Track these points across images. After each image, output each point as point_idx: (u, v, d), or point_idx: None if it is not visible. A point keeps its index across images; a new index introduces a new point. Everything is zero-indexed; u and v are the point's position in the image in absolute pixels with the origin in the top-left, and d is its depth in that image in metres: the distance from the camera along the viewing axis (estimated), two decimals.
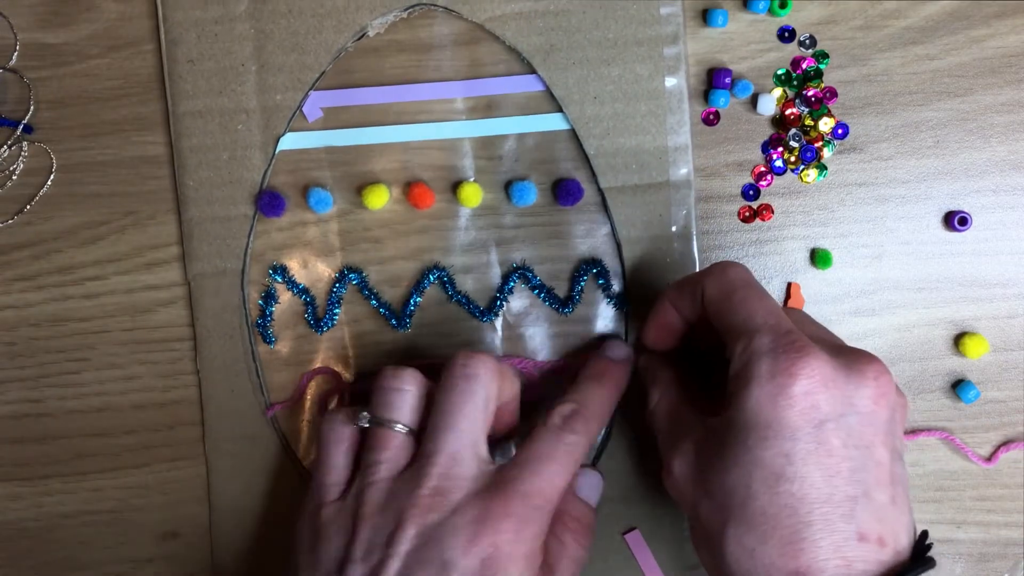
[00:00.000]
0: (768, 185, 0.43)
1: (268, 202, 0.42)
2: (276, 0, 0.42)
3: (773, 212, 0.43)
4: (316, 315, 0.43)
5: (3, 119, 0.43)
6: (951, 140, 0.43)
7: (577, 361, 0.42)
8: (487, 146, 0.43)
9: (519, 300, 0.43)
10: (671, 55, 0.42)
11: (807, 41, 0.42)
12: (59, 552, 0.44)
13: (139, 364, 0.44)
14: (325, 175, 0.43)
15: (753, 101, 0.43)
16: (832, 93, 0.42)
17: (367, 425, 0.37)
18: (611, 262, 0.43)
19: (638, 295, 0.43)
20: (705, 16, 0.42)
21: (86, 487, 0.44)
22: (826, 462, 0.31)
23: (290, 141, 0.43)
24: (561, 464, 0.36)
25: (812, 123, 0.42)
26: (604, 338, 0.43)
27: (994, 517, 0.43)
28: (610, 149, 0.42)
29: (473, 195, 0.42)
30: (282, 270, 0.43)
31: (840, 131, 0.42)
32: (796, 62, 0.42)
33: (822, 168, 0.43)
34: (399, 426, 0.37)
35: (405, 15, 0.42)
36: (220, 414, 0.43)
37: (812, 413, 0.31)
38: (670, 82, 0.42)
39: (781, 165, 0.43)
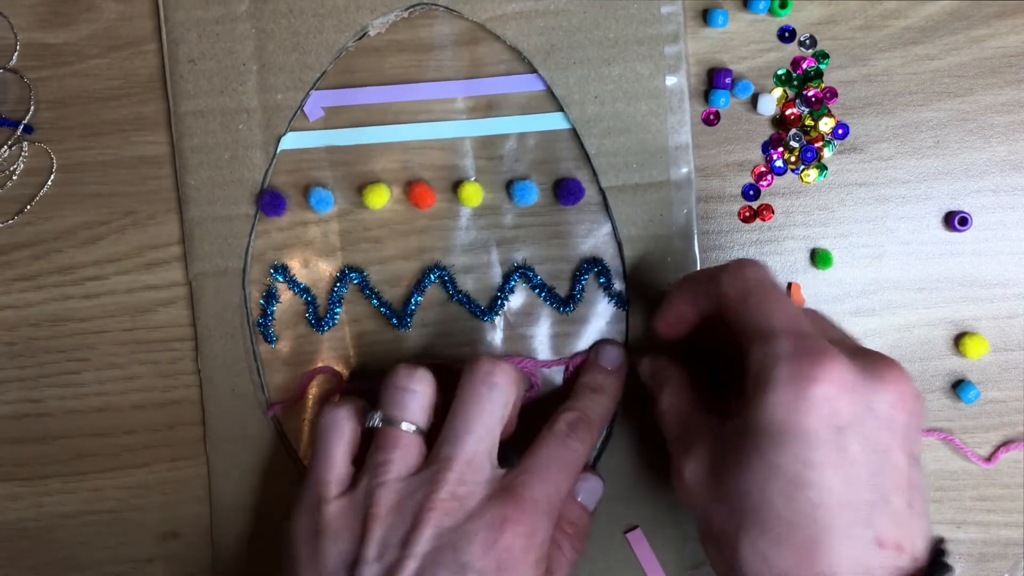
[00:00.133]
0: (768, 185, 0.43)
1: (269, 201, 0.42)
2: (277, 0, 0.42)
3: (773, 212, 0.43)
4: (317, 314, 0.43)
5: (3, 119, 0.43)
6: (951, 140, 0.43)
7: (574, 361, 0.42)
8: (488, 146, 0.43)
9: (520, 299, 0.43)
10: (672, 54, 0.42)
11: (807, 41, 0.43)
12: (59, 552, 0.44)
13: (139, 364, 0.44)
14: (326, 175, 0.43)
15: (753, 101, 0.43)
16: (832, 93, 0.42)
17: (378, 425, 0.37)
18: (612, 261, 0.43)
19: (639, 294, 0.43)
20: (705, 16, 0.42)
21: (86, 487, 0.44)
22: (845, 468, 0.31)
23: (291, 141, 0.43)
24: (566, 471, 0.37)
25: (812, 123, 0.42)
26: (599, 342, 0.43)
27: (994, 517, 0.43)
28: (611, 148, 0.42)
29: (474, 195, 0.42)
30: (283, 269, 0.43)
31: (840, 131, 0.43)
32: (796, 62, 0.43)
33: (822, 168, 0.43)
34: (411, 426, 0.37)
35: (406, 15, 0.42)
36: (221, 413, 0.43)
37: (832, 419, 0.31)
38: (671, 81, 0.42)
39: (781, 165, 0.43)
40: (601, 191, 0.42)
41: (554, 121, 0.42)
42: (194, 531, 0.44)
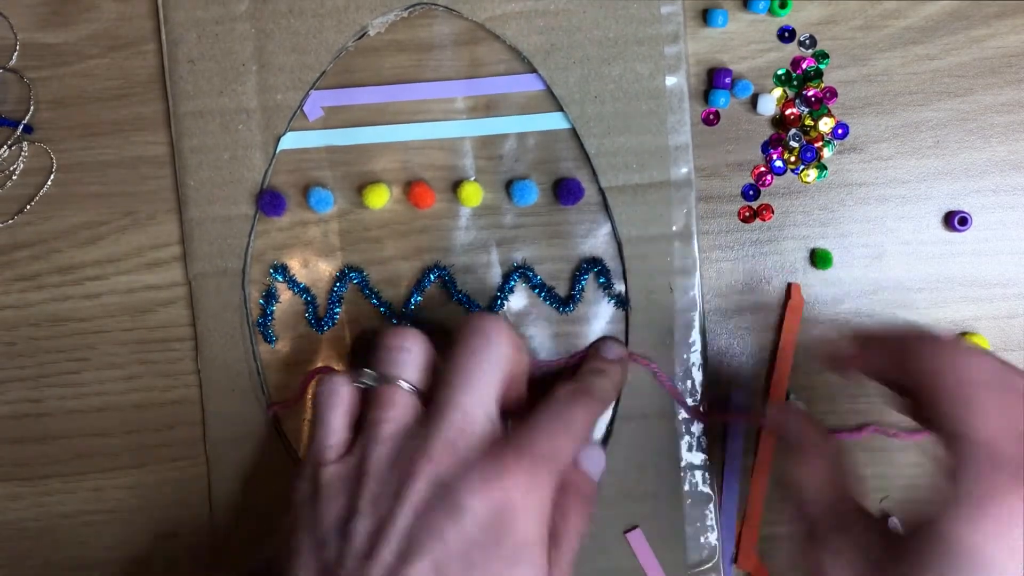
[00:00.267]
0: (768, 185, 0.43)
1: (269, 202, 0.42)
2: (276, 0, 0.42)
3: (773, 212, 0.43)
4: (317, 314, 0.43)
5: (3, 119, 0.43)
6: (951, 140, 0.43)
7: (575, 359, 0.42)
8: (487, 145, 0.43)
9: (520, 299, 0.43)
10: (672, 54, 0.42)
11: (807, 41, 0.43)
12: (59, 552, 0.44)
13: (139, 364, 0.44)
14: (326, 175, 0.43)
15: (753, 101, 0.43)
16: (832, 93, 0.42)
17: (371, 384, 0.36)
18: (612, 261, 0.43)
19: (639, 295, 0.43)
20: (705, 16, 0.42)
21: (86, 487, 0.44)
22: None
23: (291, 141, 0.43)
24: (569, 432, 0.35)
25: (812, 123, 0.42)
26: (599, 339, 0.43)
27: None
28: (611, 148, 0.42)
29: (474, 195, 0.42)
30: (283, 269, 0.43)
31: (840, 131, 0.42)
32: (796, 62, 0.43)
33: (822, 168, 0.43)
34: (406, 384, 0.35)
35: (406, 14, 0.42)
36: (220, 414, 0.43)
37: (1020, 554, 0.28)
38: (671, 81, 0.42)
39: (781, 165, 0.43)
40: (601, 191, 0.42)
41: (554, 121, 0.42)
42: (194, 531, 0.44)
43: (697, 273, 0.42)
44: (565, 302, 0.43)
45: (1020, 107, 0.42)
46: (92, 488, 0.44)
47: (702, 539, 0.43)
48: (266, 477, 0.43)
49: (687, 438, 0.43)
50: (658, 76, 0.42)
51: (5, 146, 0.43)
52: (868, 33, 0.42)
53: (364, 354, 0.42)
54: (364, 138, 0.43)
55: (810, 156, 0.42)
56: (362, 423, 0.36)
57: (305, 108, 0.42)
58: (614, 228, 0.42)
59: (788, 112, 0.42)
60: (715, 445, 0.43)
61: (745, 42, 0.43)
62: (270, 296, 0.43)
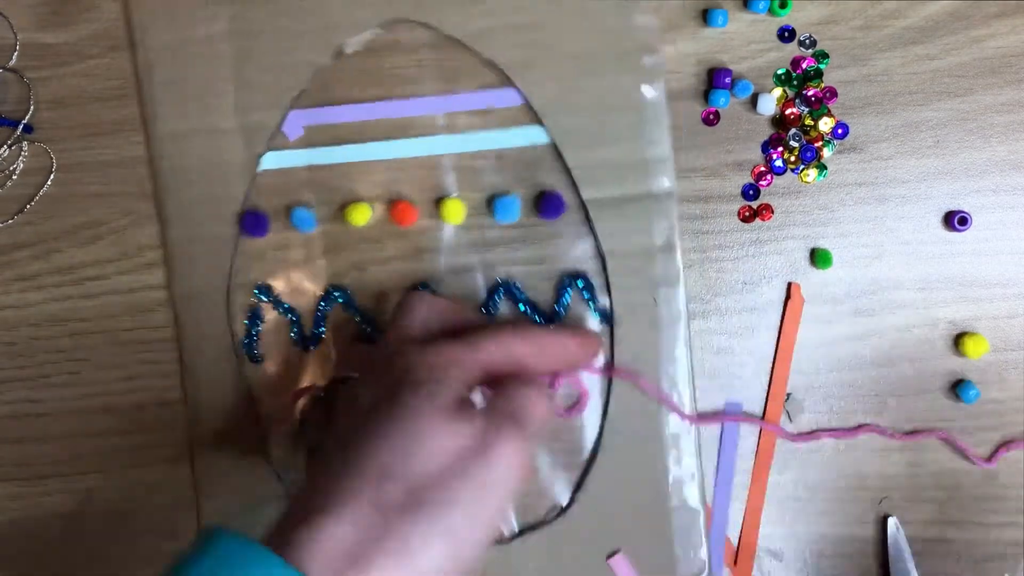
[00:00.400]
0: (768, 185, 0.43)
1: (251, 222, 0.42)
2: (253, 20, 0.42)
3: (773, 212, 0.43)
4: (302, 333, 0.43)
5: (3, 119, 0.43)
6: (951, 140, 0.43)
7: (614, 372, 0.42)
8: (468, 161, 0.42)
9: (505, 315, 0.43)
10: (649, 65, 0.42)
11: (807, 41, 0.42)
12: (58, 552, 0.44)
13: (139, 364, 0.44)
14: (308, 194, 0.43)
15: (753, 101, 0.43)
16: (832, 93, 0.42)
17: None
18: (596, 275, 0.42)
19: (623, 308, 0.42)
20: (705, 16, 0.42)
21: (86, 487, 0.44)
22: None
23: (271, 160, 0.42)
24: (520, 341, 0.35)
25: (812, 123, 0.42)
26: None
27: (994, 517, 0.43)
28: (591, 161, 0.42)
29: (456, 211, 0.42)
30: (267, 289, 0.43)
31: (840, 131, 0.42)
32: (796, 62, 0.43)
33: (822, 168, 0.43)
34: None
35: (382, 31, 0.42)
36: (208, 435, 0.43)
37: None
38: (649, 92, 0.42)
39: (781, 165, 0.43)
40: (583, 205, 0.42)
41: (533, 135, 0.42)
42: (194, 531, 0.44)
43: (681, 285, 0.42)
44: (550, 317, 0.42)
45: (1020, 107, 0.42)
46: (92, 488, 0.44)
47: (692, 554, 0.42)
48: (255, 500, 0.43)
49: (674, 451, 0.42)
50: (636, 88, 0.42)
51: (5, 146, 0.43)
52: (868, 33, 0.42)
53: (349, 370, 0.42)
54: (345, 156, 0.42)
55: (810, 156, 0.42)
56: None
57: (284, 127, 0.42)
58: (597, 242, 0.42)
59: (788, 112, 0.42)
60: (705, 458, 0.43)
61: (745, 42, 0.43)
62: (255, 316, 0.43)
